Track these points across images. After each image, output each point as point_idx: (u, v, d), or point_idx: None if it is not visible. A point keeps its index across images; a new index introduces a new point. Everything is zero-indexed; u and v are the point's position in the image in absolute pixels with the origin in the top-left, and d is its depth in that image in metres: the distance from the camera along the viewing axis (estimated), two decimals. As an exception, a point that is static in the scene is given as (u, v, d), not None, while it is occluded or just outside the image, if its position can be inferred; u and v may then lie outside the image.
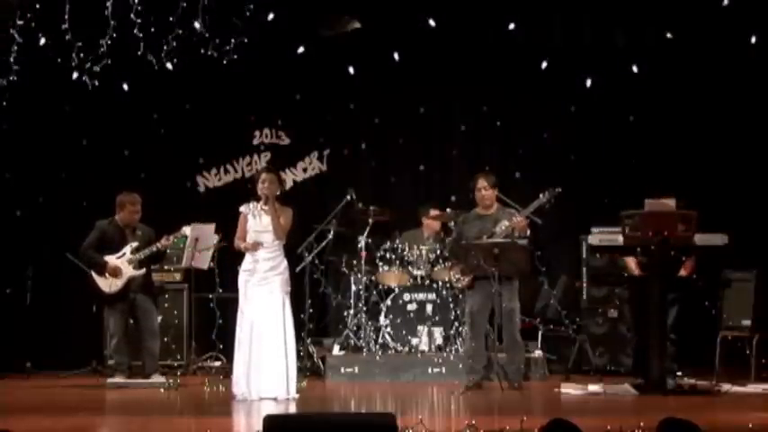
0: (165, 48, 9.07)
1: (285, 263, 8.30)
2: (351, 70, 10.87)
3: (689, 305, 8.94)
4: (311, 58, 10.79)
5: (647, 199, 8.36)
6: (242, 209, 8.32)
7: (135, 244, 9.32)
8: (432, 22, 10.52)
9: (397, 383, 9.36)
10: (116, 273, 9.24)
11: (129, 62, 9.41)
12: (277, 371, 7.99)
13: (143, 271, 9.30)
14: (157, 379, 9.14)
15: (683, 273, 8.60)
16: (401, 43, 10.76)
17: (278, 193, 8.26)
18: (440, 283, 9.99)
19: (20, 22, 8.96)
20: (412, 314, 9.96)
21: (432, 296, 9.94)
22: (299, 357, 10.00)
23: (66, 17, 8.75)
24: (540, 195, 8.75)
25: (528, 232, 8.71)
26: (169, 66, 9.30)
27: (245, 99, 11.12)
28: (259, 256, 8.18)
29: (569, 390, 8.49)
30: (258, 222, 8.22)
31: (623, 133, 10.82)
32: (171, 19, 8.90)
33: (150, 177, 10.94)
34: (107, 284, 9.27)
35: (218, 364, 10.25)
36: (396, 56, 10.79)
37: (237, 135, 11.33)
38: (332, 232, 10.19)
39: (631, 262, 8.74)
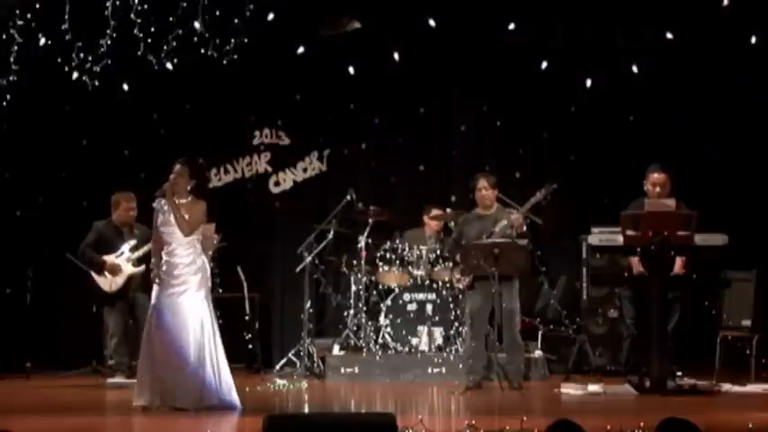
0: (165, 48, 9.06)
1: (202, 259, 7.50)
2: (351, 70, 10.86)
3: (689, 305, 8.94)
4: (311, 58, 10.78)
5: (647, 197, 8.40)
6: (154, 204, 7.49)
7: (133, 242, 9.34)
8: (432, 22, 10.51)
9: (397, 383, 9.36)
10: (114, 271, 9.24)
11: (129, 62, 9.41)
12: (206, 376, 7.33)
13: (142, 268, 9.30)
14: (157, 379, 9.13)
15: (678, 271, 8.58)
16: (401, 43, 10.75)
17: (189, 187, 7.45)
18: (440, 283, 9.99)
19: (20, 23, 8.96)
20: (412, 314, 9.95)
21: (432, 296, 9.93)
22: (298, 357, 10.04)
23: (67, 17, 8.75)
24: (537, 193, 8.76)
25: (524, 228, 8.69)
26: (169, 66, 9.30)
27: (245, 99, 11.12)
28: (175, 253, 7.37)
29: (569, 390, 8.48)
30: (166, 219, 7.40)
31: (623, 133, 10.81)
32: (171, 19, 8.90)
33: (150, 177, 10.90)
34: (107, 283, 9.28)
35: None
36: (396, 56, 10.78)
37: (237, 135, 11.33)
38: (332, 232, 10.20)
39: (634, 259, 8.73)
